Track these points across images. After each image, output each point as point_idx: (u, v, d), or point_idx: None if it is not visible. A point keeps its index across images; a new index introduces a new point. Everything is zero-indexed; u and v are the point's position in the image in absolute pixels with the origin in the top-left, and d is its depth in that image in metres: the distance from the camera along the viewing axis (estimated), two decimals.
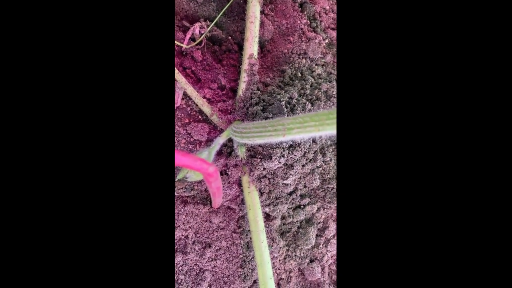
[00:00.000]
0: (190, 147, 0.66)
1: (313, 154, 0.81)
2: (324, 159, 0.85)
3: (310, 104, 0.78)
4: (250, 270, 0.80)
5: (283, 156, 0.65)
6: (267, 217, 0.84)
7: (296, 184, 0.83)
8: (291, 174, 0.71)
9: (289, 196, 0.84)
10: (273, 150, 0.63)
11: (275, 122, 0.43)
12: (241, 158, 0.66)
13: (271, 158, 0.63)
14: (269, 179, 0.73)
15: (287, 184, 0.78)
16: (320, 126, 0.33)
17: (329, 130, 0.33)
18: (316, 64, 0.86)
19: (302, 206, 0.88)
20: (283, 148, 0.65)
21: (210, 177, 0.33)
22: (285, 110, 0.68)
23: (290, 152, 0.68)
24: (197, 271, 0.75)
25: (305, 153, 0.76)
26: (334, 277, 0.97)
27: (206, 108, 0.64)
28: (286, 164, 0.71)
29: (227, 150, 0.70)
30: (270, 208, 0.80)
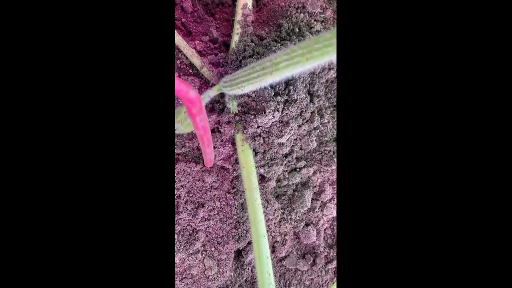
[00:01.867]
0: (180, 102, 0.63)
1: (310, 114, 0.78)
2: (321, 121, 0.82)
3: None
4: (245, 231, 0.79)
5: (277, 110, 0.62)
6: (262, 179, 0.82)
7: (292, 145, 0.81)
8: (286, 132, 0.69)
9: (284, 158, 0.82)
10: (266, 104, 0.60)
11: (262, 61, 0.40)
12: (233, 113, 0.63)
13: (264, 112, 0.61)
14: (263, 138, 0.71)
15: (282, 144, 0.76)
16: (308, 54, 0.30)
17: (318, 58, 0.30)
18: (315, 20, 0.81)
19: (298, 169, 0.86)
20: (277, 102, 0.62)
21: (193, 105, 0.30)
22: None
23: (285, 107, 0.65)
24: (190, 231, 0.75)
25: (301, 112, 0.74)
26: (330, 241, 0.97)
27: (196, 60, 0.61)
28: (282, 121, 0.68)
29: (219, 106, 0.68)
30: (265, 169, 0.78)
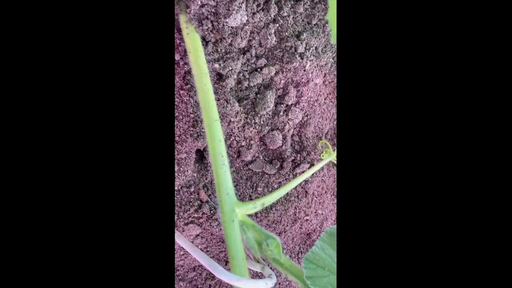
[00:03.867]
0: None
1: (264, 1, 0.72)
2: (280, 13, 0.77)
3: None
4: (203, 130, 0.77)
5: None
6: (220, 78, 0.78)
7: (250, 40, 0.76)
8: (234, 10, 0.63)
9: (242, 54, 0.77)
10: None
11: None
12: None
13: None
14: (211, 21, 0.66)
15: (235, 32, 0.70)
16: None
17: None
18: None
19: (258, 69, 0.82)
20: None
21: None
22: None
23: None
24: None
25: None
26: (297, 147, 0.96)
27: None
28: None
29: None
30: (220, 64, 0.74)
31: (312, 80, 0.89)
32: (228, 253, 0.55)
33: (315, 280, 0.49)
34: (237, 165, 0.88)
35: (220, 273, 0.47)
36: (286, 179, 0.95)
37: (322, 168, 1.01)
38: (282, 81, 0.87)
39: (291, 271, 0.56)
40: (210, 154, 0.60)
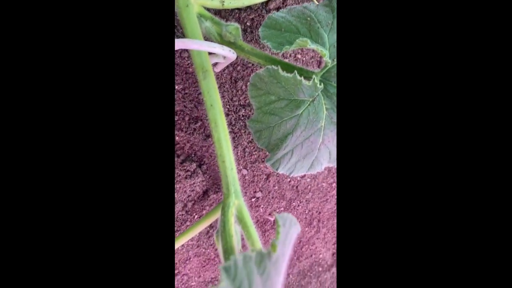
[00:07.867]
0: None
1: None
2: None
3: None
4: None
5: None
6: None
7: None
8: None
9: None
10: None
11: None
12: None
13: None
14: None
15: None
16: None
17: None
18: None
19: None
20: None
21: None
22: None
23: None
24: None
25: None
26: None
27: None
28: None
29: None
30: None
31: None
32: (186, 36, 0.54)
33: (271, 38, 0.48)
34: None
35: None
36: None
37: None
38: None
39: (252, 53, 0.55)
40: None
